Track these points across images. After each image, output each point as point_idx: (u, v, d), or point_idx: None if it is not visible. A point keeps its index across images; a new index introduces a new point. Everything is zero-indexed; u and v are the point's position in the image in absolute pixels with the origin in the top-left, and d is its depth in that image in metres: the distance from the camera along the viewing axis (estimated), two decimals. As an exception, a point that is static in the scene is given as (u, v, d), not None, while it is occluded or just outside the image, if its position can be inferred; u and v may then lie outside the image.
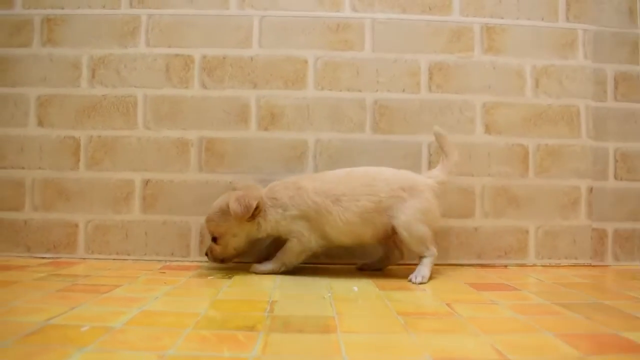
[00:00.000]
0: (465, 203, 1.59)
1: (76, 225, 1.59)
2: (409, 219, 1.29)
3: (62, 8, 1.64)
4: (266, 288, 1.21)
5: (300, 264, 1.38)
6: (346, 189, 1.31)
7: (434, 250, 1.32)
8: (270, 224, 1.33)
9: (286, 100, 1.58)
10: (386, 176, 1.33)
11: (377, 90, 1.60)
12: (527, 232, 1.61)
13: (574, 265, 1.63)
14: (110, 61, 1.61)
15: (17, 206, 1.60)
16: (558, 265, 1.60)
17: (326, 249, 1.38)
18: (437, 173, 1.38)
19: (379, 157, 1.58)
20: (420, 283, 1.29)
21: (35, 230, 1.59)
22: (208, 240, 1.46)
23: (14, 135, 1.61)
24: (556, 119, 1.63)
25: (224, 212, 1.32)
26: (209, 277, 1.34)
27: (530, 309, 1.01)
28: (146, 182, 1.58)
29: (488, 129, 1.61)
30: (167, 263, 1.57)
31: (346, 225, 1.30)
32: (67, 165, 1.60)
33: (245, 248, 1.39)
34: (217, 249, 1.38)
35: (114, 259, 1.57)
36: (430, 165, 1.58)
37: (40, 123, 1.61)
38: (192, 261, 1.57)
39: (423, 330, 0.85)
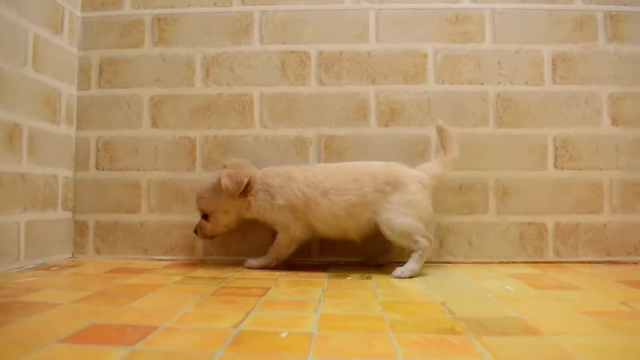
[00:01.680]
0: (592, 198, 1.53)
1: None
2: (390, 215, 1.27)
3: (173, 7, 1.61)
4: (415, 288, 1.16)
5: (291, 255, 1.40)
6: (335, 183, 1.31)
7: (423, 242, 1.27)
8: (258, 207, 1.36)
9: (406, 95, 1.53)
10: (373, 170, 1.32)
11: (499, 83, 1.54)
12: (658, 227, 1.53)
13: None
14: (224, 59, 1.57)
15: (133, 208, 1.57)
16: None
17: (312, 238, 1.40)
18: (432, 166, 1.36)
19: (504, 151, 1.52)
20: (401, 277, 1.27)
21: (152, 232, 1.57)
22: (331, 242, 1.42)
23: (128, 136, 1.58)
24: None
25: (216, 189, 1.34)
26: (348, 278, 1.29)
27: None
28: (265, 182, 1.52)
29: (615, 121, 1.54)
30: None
31: (333, 219, 1.31)
32: (183, 166, 1.57)
33: (235, 226, 1.42)
34: (208, 226, 1.40)
35: (231, 260, 1.52)
36: (557, 159, 1.51)
37: (155, 124, 1.58)
38: (315, 261, 1.50)
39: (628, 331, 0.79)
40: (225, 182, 1.31)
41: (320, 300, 1.00)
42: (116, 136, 1.58)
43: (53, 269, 1.36)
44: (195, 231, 1.42)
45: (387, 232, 1.31)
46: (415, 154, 1.52)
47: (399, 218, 1.28)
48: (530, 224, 1.51)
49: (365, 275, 1.31)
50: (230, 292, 1.09)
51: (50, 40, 1.48)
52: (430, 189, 1.33)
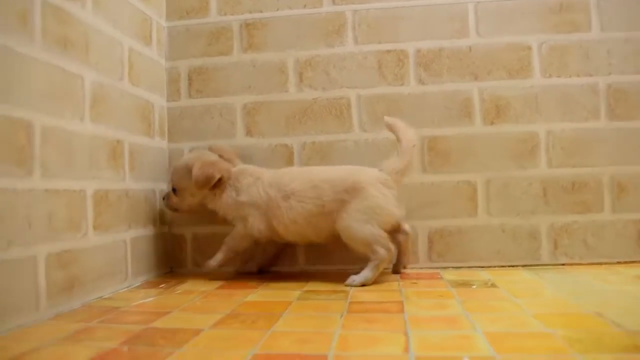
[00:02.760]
0: None
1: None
2: (349, 223, 1.24)
3: (261, 12, 1.56)
4: (556, 296, 1.11)
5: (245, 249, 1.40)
6: (296, 187, 1.29)
7: (381, 254, 1.23)
8: (222, 202, 1.37)
9: (511, 91, 1.46)
10: (333, 178, 1.28)
11: (609, 74, 1.46)
12: None
13: None
14: (317, 62, 1.52)
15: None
16: None
17: (275, 241, 1.39)
18: (392, 162, 1.30)
19: (618, 145, 1.45)
20: (352, 285, 1.24)
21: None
22: (438, 245, 1.47)
23: (222, 146, 1.52)
24: None
25: (189, 171, 1.33)
26: (473, 287, 1.24)
27: None
28: (368, 188, 1.45)
29: None
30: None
31: (292, 224, 1.29)
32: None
33: (198, 209, 1.43)
34: (174, 199, 1.41)
35: (337, 270, 1.46)
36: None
37: (249, 132, 1.53)
38: (422, 268, 1.46)
39: None
40: (196, 173, 1.31)
41: (467, 315, 0.95)
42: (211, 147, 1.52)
43: (161, 286, 1.31)
44: (164, 198, 1.44)
45: (348, 241, 1.27)
46: (524, 151, 1.45)
47: (359, 226, 1.23)
48: (649, 221, 1.40)
49: (490, 283, 1.25)
50: (366, 309, 1.03)
51: (142, 52, 1.44)
52: (394, 187, 1.28)
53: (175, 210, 1.44)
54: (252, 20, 1.55)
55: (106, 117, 1.24)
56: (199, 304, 1.10)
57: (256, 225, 1.32)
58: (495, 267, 1.43)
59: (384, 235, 1.24)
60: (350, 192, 1.25)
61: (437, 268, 1.44)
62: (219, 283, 1.36)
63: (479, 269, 1.42)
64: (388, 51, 1.50)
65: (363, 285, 1.24)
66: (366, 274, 1.24)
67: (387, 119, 1.35)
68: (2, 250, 0.88)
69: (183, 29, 1.58)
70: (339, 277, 1.33)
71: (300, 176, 1.31)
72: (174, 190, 1.40)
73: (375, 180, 1.28)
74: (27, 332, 0.91)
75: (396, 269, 1.41)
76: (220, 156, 1.40)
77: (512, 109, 1.46)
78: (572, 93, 1.46)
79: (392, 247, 1.24)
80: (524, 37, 1.47)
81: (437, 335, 0.83)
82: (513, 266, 1.41)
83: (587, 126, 1.45)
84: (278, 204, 1.29)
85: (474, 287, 1.20)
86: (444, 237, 1.45)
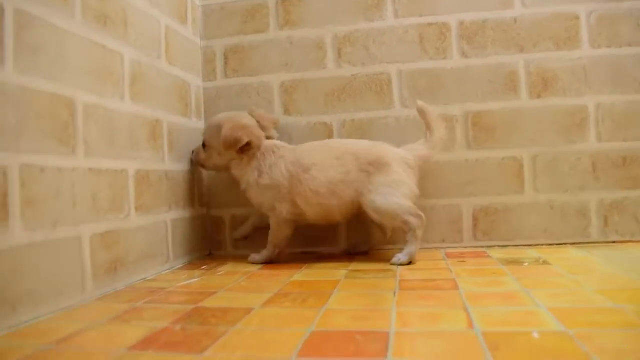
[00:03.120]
0: None
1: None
2: (374, 197, 1.23)
3: (297, -13, 1.48)
4: (604, 273, 1.07)
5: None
6: (316, 159, 1.26)
7: (413, 222, 1.21)
8: (245, 175, 1.34)
9: (559, 63, 1.39)
10: (357, 150, 1.27)
11: (663, 43, 1.36)
12: None
13: None
14: (356, 38, 1.47)
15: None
16: None
17: (299, 221, 1.34)
18: (418, 147, 1.31)
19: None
20: (401, 264, 1.21)
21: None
22: (483, 223, 1.44)
23: (261, 126, 1.49)
24: None
25: (220, 129, 1.29)
26: (524, 264, 1.19)
27: None
28: (409, 166, 1.41)
29: None
30: (439, 250, 1.44)
31: (314, 196, 1.25)
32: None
33: (223, 170, 1.40)
34: (202, 155, 1.39)
35: (377, 250, 1.42)
36: None
37: (287, 111, 1.50)
38: (467, 247, 1.40)
39: None
40: (225, 133, 1.28)
41: (527, 292, 0.92)
42: (247, 127, 1.49)
43: (203, 268, 1.29)
44: (193, 151, 1.42)
45: (373, 215, 1.25)
46: (572, 125, 1.39)
47: (384, 199, 1.22)
48: None
49: (542, 260, 1.21)
50: (418, 287, 1.01)
51: (178, 30, 1.41)
52: (416, 169, 1.28)
53: (202, 166, 1.42)
54: (288, -4, 1.50)
55: (145, 96, 1.22)
56: (244, 284, 1.07)
57: (284, 208, 1.29)
58: (542, 245, 1.39)
59: (411, 204, 1.23)
60: (375, 165, 1.24)
61: (482, 247, 1.40)
62: (260, 264, 1.32)
63: (526, 247, 1.39)
64: (429, 24, 1.45)
65: (409, 262, 1.23)
66: (409, 249, 1.22)
67: (420, 103, 1.33)
68: (48, 230, 0.87)
69: (218, 8, 1.55)
70: (382, 257, 1.32)
71: (321, 149, 1.30)
72: (203, 145, 1.38)
73: (399, 157, 1.27)
74: (76, 313, 0.90)
75: (362, 249, 1.44)
76: (258, 122, 1.35)
77: (559, 82, 1.40)
78: (623, 64, 1.40)
79: (421, 214, 1.22)
80: (572, 7, 1.42)
81: (499, 311, 0.80)
82: (561, 244, 1.37)
83: (639, 99, 1.37)
84: (299, 179, 1.26)
85: (526, 264, 1.16)
86: (490, 215, 1.40)
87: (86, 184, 0.98)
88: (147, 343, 0.69)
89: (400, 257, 1.22)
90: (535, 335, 0.67)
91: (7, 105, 0.79)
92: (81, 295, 0.95)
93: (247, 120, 1.34)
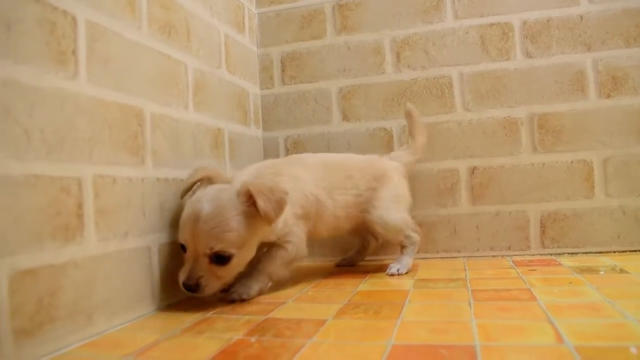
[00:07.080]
0: None
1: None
2: (382, 212, 1.19)
3: (353, -9, 1.46)
4: None
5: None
6: (333, 180, 1.17)
7: (415, 237, 1.23)
8: (279, 225, 1.01)
9: (629, 61, 1.33)
10: (360, 166, 1.22)
11: None
12: None
13: None
14: (415, 41, 1.44)
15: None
16: None
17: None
18: (402, 154, 1.31)
19: None
20: (398, 274, 1.18)
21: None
22: (552, 229, 1.37)
23: (318, 133, 1.49)
24: None
25: (247, 215, 0.94)
26: (600, 272, 1.14)
27: None
28: (472, 170, 1.38)
29: None
30: (505, 258, 1.40)
31: (334, 220, 1.17)
32: (381, 160, 1.42)
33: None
34: (223, 273, 0.95)
35: (441, 258, 1.38)
36: None
37: (345, 117, 1.47)
38: (534, 254, 1.35)
39: None
40: (265, 207, 0.91)
41: (611, 303, 0.87)
42: (305, 134, 1.49)
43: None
44: (190, 287, 0.93)
45: (381, 230, 1.21)
46: (646, 126, 1.30)
47: (391, 215, 1.20)
48: None
49: (618, 268, 1.16)
50: (493, 297, 0.97)
51: (236, 39, 1.41)
52: (406, 178, 1.28)
53: (221, 290, 1.00)
54: (345, 1, 1.50)
55: (207, 105, 1.23)
56: (311, 294, 1.06)
57: (303, 238, 1.11)
58: (614, 252, 1.31)
59: (410, 219, 1.23)
60: (379, 179, 1.22)
61: (551, 254, 1.35)
62: (323, 274, 1.32)
63: (598, 254, 1.32)
64: (491, 24, 1.41)
65: (406, 272, 1.22)
66: (407, 261, 1.22)
67: (409, 106, 1.34)
68: (120, 240, 0.86)
69: (273, 15, 1.54)
70: (449, 266, 1.30)
71: (328, 168, 1.19)
72: (219, 260, 0.93)
73: (395, 168, 1.27)
74: (148, 323, 0.90)
75: (354, 261, 1.41)
76: (213, 178, 1.04)
77: (630, 80, 1.34)
78: (700, 60, 1.31)
79: (418, 229, 1.25)
80: (643, 2, 1.34)
81: (585, 324, 0.76)
82: (635, 251, 1.30)
83: None
84: (325, 204, 1.14)
85: (602, 272, 1.10)
86: (558, 221, 1.35)
87: (154, 193, 0.97)
88: (224, 356, 0.68)
89: (400, 268, 1.21)
90: (634, 350, 0.62)
91: (81, 116, 0.79)
92: (151, 305, 0.95)
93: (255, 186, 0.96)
